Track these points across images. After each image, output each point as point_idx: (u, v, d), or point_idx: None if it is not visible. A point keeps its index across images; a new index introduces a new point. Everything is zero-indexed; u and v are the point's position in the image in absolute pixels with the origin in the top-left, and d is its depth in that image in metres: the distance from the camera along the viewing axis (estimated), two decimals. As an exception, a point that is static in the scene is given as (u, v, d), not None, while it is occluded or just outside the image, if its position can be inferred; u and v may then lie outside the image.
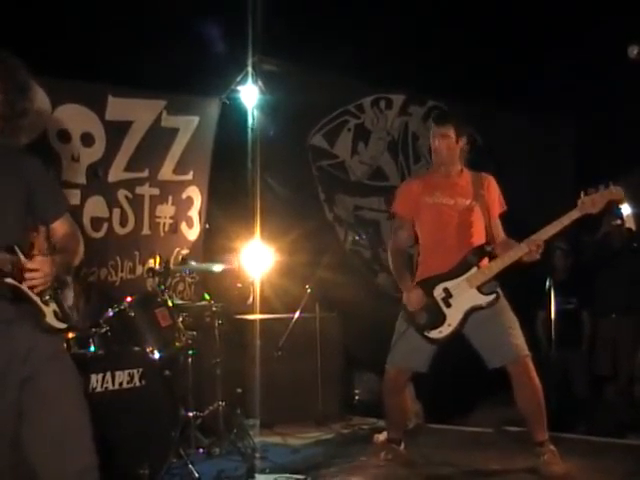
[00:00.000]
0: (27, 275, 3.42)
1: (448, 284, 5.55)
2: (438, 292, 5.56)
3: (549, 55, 8.53)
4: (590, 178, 8.75)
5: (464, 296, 5.52)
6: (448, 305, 5.54)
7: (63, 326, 3.59)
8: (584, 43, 8.17)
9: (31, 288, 3.44)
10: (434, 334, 5.55)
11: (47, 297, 3.54)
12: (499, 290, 5.58)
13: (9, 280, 3.39)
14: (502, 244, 5.65)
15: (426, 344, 5.60)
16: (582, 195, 5.29)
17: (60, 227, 3.75)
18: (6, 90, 3.51)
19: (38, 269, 3.44)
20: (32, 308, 3.47)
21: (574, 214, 5.30)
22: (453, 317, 5.53)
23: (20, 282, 3.41)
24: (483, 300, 5.51)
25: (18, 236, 3.50)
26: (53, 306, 3.55)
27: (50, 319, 3.51)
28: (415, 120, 9.10)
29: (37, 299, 3.48)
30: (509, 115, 9.45)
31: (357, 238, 8.72)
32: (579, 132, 9.79)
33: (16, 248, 3.42)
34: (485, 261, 5.58)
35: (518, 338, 5.57)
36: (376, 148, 8.89)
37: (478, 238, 5.63)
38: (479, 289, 5.51)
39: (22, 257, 3.43)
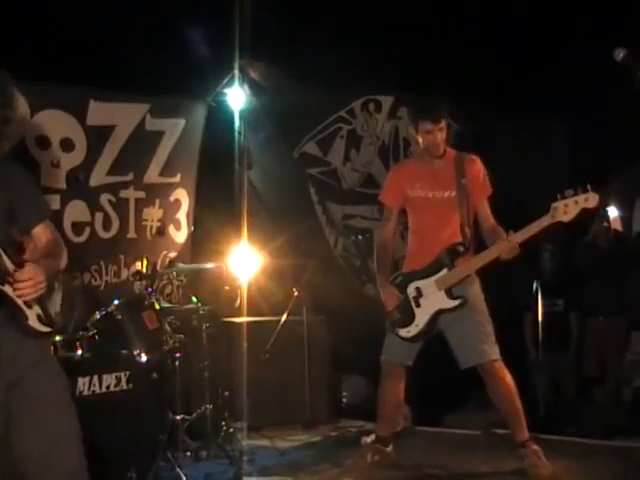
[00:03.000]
0: (18, 285, 3.39)
1: (420, 283, 5.55)
2: (411, 290, 5.57)
3: (544, 56, 8.51)
4: (583, 177, 8.80)
5: (432, 298, 5.51)
6: (418, 305, 5.54)
7: (47, 330, 3.56)
8: (578, 44, 8.16)
9: (20, 296, 3.42)
10: (403, 333, 5.57)
11: (31, 300, 3.51)
12: (467, 295, 5.53)
13: None
14: (488, 231, 5.59)
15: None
16: (558, 197, 5.21)
17: (42, 233, 3.73)
18: None
19: (30, 278, 3.42)
20: (15, 311, 3.44)
21: (545, 220, 5.21)
22: (421, 318, 5.53)
23: (2, 285, 3.38)
24: (449, 304, 5.49)
25: (2, 240, 3.47)
26: (37, 309, 3.52)
27: (33, 322, 3.48)
28: (405, 124, 9.02)
29: (20, 302, 3.44)
30: (503, 115, 9.39)
31: (352, 239, 8.70)
32: (572, 133, 9.76)
33: (0, 251, 3.40)
34: (460, 260, 5.56)
35: (486, 342, 5.55)
36: (367, 154, 8.85)
37: (454, 233, 5.59)
38: (447, 292, 5.50)
39: (7, 260, 3.40)
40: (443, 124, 5.57)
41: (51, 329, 3.60)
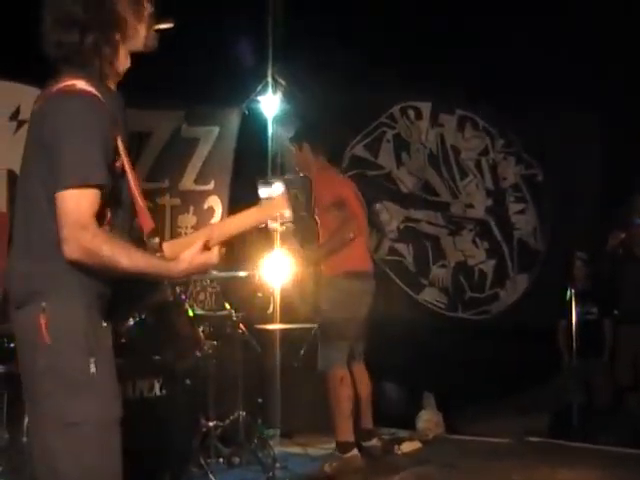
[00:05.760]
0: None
1: None
2: None
3: (576, 50, 8.41)
4: (617, 183, 8.73)
5: None
6: None
7: None
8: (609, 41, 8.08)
9: None
10: None
11: None
12: None
13: None
14: None
15: None
16: None
17: None
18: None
19: None
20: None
21: None
22: None
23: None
24: None
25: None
26: None
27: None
28: (450, 131, 8.87)
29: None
30: (542, 115, 9.27)
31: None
32: (606, 136, 9.64)
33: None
34: None
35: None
36: (417, 160, 8.71)
37: None
38: None
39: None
40: (294, 146, 6.72)
41: None
